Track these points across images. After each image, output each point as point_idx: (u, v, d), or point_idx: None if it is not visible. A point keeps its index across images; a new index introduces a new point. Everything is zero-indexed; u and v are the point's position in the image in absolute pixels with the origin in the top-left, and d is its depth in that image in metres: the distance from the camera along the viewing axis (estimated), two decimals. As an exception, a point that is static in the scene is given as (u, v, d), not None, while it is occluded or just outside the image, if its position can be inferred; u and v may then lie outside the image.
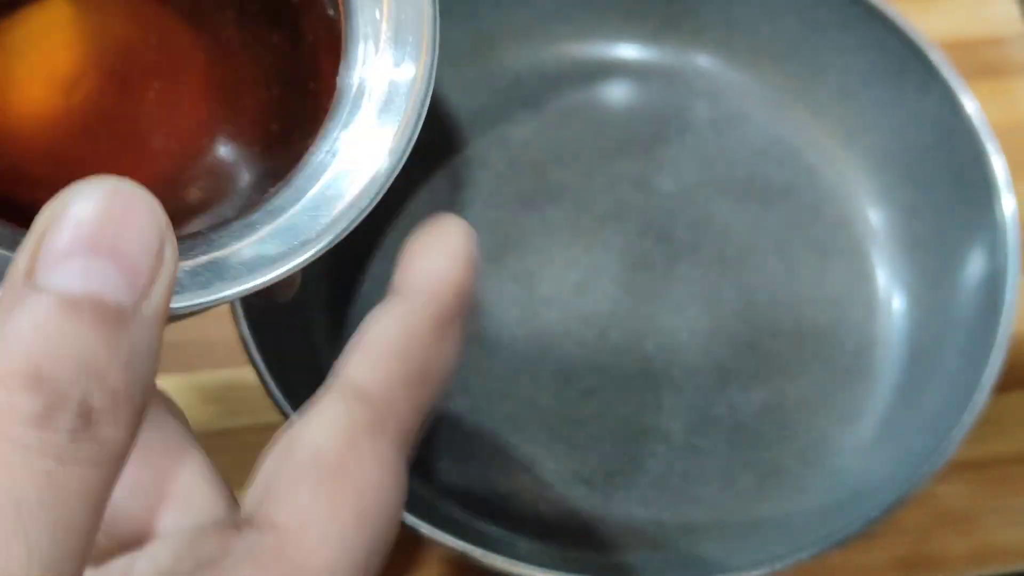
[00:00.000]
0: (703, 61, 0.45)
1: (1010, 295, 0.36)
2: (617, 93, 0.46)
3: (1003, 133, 0.48)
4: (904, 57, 0.40)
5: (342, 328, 0.40)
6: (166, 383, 0.44)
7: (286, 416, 0.33)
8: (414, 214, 0.43)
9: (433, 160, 0.44)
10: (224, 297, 0.20)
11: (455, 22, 0.44)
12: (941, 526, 0.41)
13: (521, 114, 0.45)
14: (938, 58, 0.39)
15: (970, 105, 0.38)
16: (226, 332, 0.35)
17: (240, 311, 0.35)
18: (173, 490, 0.21)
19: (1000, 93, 0.49)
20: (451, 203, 0.43)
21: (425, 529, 0.32)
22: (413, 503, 0.33)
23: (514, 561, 0.32)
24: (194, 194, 0.22)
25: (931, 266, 0.41)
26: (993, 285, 0.37)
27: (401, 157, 0.21)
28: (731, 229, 0.43)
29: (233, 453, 0.41)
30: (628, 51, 0.46)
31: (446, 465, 0.39)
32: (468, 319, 0.21)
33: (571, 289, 0.42)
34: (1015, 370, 0.43)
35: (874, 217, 0.43)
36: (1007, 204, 0.37)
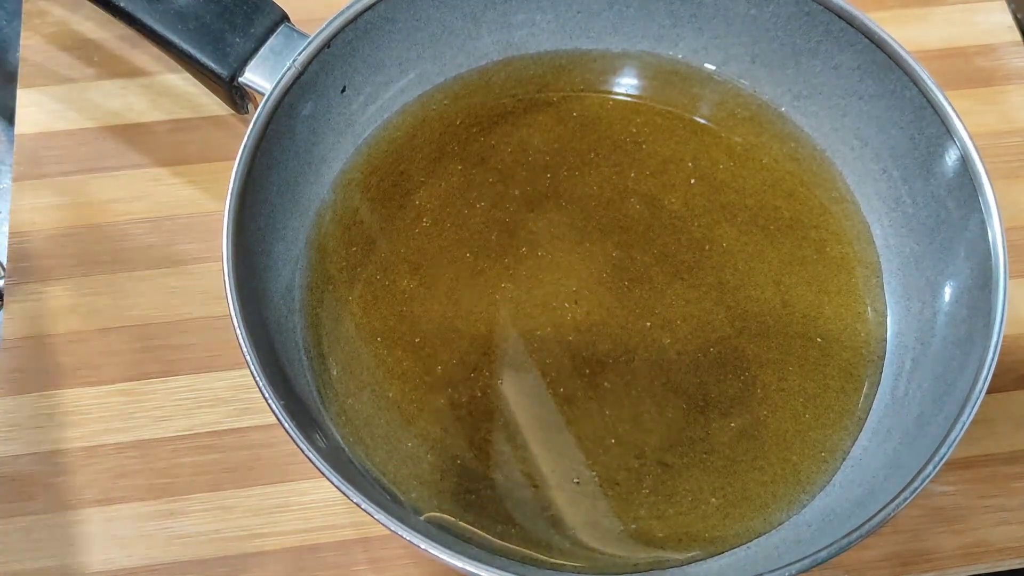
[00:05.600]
0: (726, 89, 0.46)
1: (1002, 305, 0.36)
2: (638, 111, 0.46)
3: (997, 138, 0.49)
4: (920, 107, 0.41)
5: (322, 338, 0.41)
6: (177, 384, 0.45)
7: (278, 418, 0.34)
8: (425, 212, 0.44)
9: (448, 158, 0.45)
10: None
11: (488, 30, 0.45)
12: (934, 524, 0.41)
13: (541, 119, 0.46)
14: (941, 96, 0.40)
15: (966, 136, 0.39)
16: (233, 336, 0.35)
17: (238, 316, 0.36)
18: None
19: (994, 100, 0.50)
20: (462, 201, 0.44)
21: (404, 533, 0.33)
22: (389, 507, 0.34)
23: (464, 557, 0.33)
24: None
25: (926, 287, 0.41)
26: (985, 297, 0.37)
27: None
28: (733, 256, 0.43)
29: (241, 451, 0.42)
30: (652, 70, 0.47)
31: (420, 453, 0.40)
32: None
33: (567, 295, 0.42)
34: (1005, 372, 0.44)
35: (875, 257, 0.43)
36: (997, 224, 0.38)
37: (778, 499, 0.39)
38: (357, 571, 0.40)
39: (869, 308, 0.42)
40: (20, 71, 0.50)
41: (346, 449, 0.39)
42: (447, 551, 0.32)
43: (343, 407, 0.40)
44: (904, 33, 0.49)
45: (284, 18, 0.42)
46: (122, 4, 0.42)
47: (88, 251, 0.45)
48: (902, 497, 0.33)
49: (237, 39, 0.41)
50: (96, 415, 0.43)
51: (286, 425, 0.34)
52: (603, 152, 0.45)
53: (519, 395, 0.41)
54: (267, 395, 0.34)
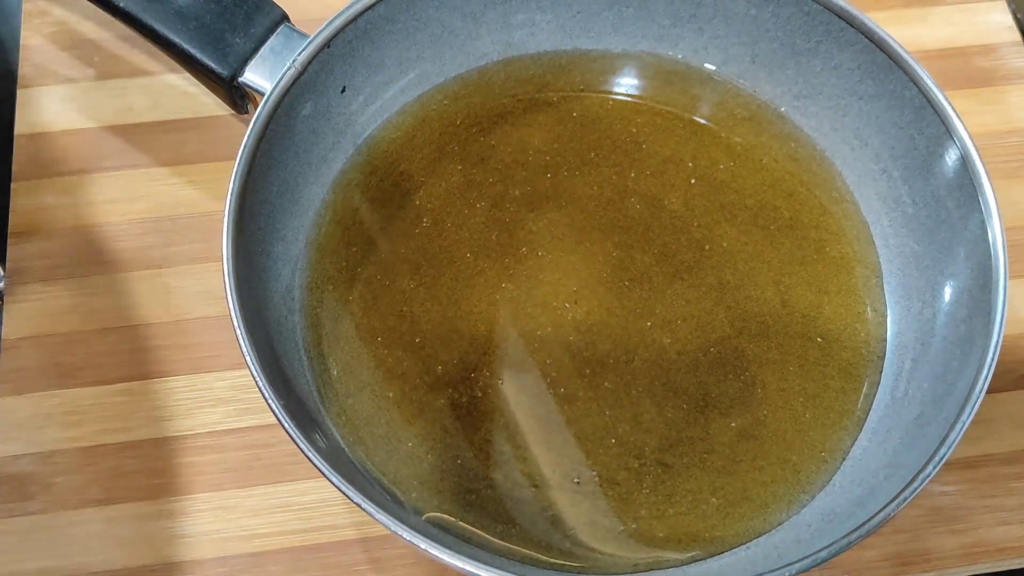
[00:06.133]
0: (726, 89, 0.46)
1: (1002, 305, 0.36)
2: (638, 111, 0.46)
3: (997, 138, 0.49)
4: (920, 107, 0.41)
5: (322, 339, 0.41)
6: (177, 384, 0.45)
7: (278, 418, 0.34)
8: (425, 212, 0.44)
9: (448, 158, 0.45)
10: None
11: (488, 30, 0.45)
12: (934, 524, 0.41)
13: (541, 119, 0.46)
14: (941, 96, 0.40)
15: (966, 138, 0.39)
16: (233, 336, 0.35)
17: (238, 317, 0.36)
18: None
19: (994, 100, 0.50)
20: (462, 201, 0.44)
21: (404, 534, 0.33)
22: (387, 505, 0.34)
23: (464, 557, 0.33)
24: None
25: (926, 287, 0.41)
26: (985, 297, 0.37)
27: None
28: (733, 256, 0.43)
29: (241, 451, 0.42)
30: (652, 70, 0.47)
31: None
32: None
33: (567, 295, 0.42)
34: (1005, 372, 0.44)
35: (875, 257, 0.43)
36: (997, 224, 0.38)
37: (778, 499, 0.39)
38: (357, 571, 0.40)
39: (869, 308, 0.42)
40: (20, 71, 0.50)
41: (346, 449, 0.39)
42: (447, 551, 0.32)
43: (343, 407, 0.40)
44: (904, 33, 0.49)
45: (284, 18, 0.42)
46: (122, 4, 0.42)
47: (88, 251, 0.45)
48: (902, 497, 0.33)
49: (237, 39, 0.41)
50: (96, 415, 0.42)
51: (286, 425, 0.34)
52: (603, 152, 0.45)
53: (519, 395, 0.41)
54: (267, 395, 0.34)
